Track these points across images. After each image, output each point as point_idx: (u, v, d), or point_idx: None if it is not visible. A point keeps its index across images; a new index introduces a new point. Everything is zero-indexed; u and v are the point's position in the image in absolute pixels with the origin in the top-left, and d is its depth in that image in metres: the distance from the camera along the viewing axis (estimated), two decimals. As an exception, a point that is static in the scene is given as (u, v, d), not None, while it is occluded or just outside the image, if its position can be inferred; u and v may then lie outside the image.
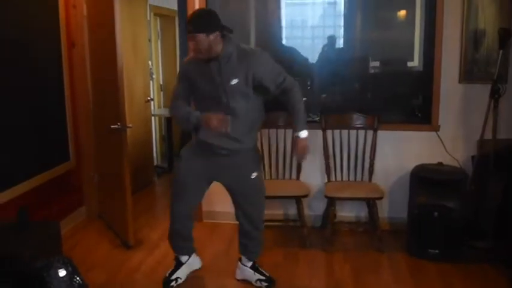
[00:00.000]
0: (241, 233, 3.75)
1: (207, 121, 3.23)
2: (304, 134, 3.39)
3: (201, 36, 3.13)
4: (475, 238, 4.20)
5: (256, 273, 3.75)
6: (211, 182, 3.65)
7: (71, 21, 4.80)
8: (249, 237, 3.71)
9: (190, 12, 4.70)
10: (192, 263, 3.91)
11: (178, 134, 7.88)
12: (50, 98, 4.52)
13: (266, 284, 3.70)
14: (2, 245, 3.31)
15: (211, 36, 3.15)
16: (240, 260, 3.84)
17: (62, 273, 3.03)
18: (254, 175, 3.54)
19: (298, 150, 3.42)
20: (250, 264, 3.79)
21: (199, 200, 3.80)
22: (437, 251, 4.12)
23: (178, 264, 3.83)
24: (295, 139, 3.42)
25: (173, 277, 3.76)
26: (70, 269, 3.08)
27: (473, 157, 4.42)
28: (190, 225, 3.79)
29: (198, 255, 3.97)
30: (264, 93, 3.40)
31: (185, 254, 3.85)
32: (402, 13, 4.95)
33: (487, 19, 4.42)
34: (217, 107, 3.28)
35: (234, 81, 3.25)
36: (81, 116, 5.00)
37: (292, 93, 3.38)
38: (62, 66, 4.66)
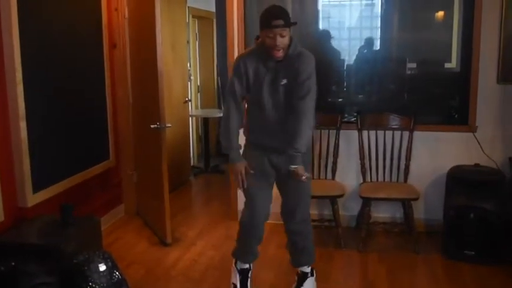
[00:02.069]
0: (289, 234, 3.56)
1: (233, 171, 3.32)
2: (296, 166, 3.20)
3: (287, 32, 3.07)
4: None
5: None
6: (273, 184, 3.50)
7: (113, 23, 4.94)
8: (296, 233, 3.51)
9: (229, 14, 4.80)
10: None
11: (214, 135, 7.99)
12: (91, 97, 4.66)
13: None
14: (46, 239, 3.44)
15: (290, 33, 3.12)
16: (297, 274, 3.64)
17: (102, 267, 3.13)
18: (304, 177, 3.35)
19: (297, 178, 3.23)
20: (309, 271, 3.60)
21: (266, 206, 3.49)
22: (473, 253, 4.08)
23: (246, 272, 3.65)
24: (291, 170, 3.20)
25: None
26: (110, 263, 3.18)
27: (510, 158, 4.36)
28: (261, 235, 3.56)
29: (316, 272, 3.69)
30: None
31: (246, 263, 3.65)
32: (440, 14, 4.91)
33: (527, 19, 4.36)
34: (262, 110, 3.26)
35: (284, 81, 3.20)
36: (121, 115, 5.13)
37: (302, 117, 3.18)
38: (104, 67, 4.80)
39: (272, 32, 3.03)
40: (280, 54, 3.12)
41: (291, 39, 3.14)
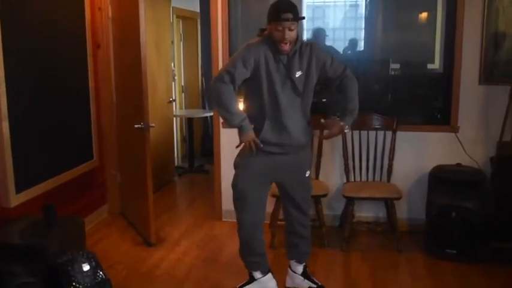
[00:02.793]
0: (291, 234, 3.61)
1: (245, 138, 3.21)
2: (347, 129, 3.35)
3: (296, 26, 3.07)
4: (495, 239, 4.19)
5: (306, 280, 3.65)
6: (271, 184, 3.51)
7: (97, 23, 4.92)
8: (301, 236, 3.57)
9: (213, 14, 4.81)
10: (265, 281, 3.61)
11: (199, 135, 7.99)
12: (75, 97, 4.63)
13: None
14: (30, 239, 3.42)
15: (298, 27, 3.11)
16: (289, 266, 3.72)
17: (86, 267, 3.13)
18: (308, 173, 3.49)
19: (333, 133, 3.35)
20: (301, 270, 3.66)
21: (264, 206, 3.52)
22: (455, 252, 4.13)
23: (251, 279, 3.63)
24: (340, 125, 3.32)
25: None
26: (93, 263, 3.19)
27: (492, 158, 4.42)
28: (261, 237, 3.54)
29: (275, 278, 3.66)
30: (324, 85, 3.38)
31: (257, 270, 3.59)
32: (423, 15, 4.96)
33: (508, 21, 4.42)
34: (276, 103, 3.22)
35: (298, 74, 3.21)
36: (104, 115, 5.11)
37: (353, 84, 3.36)
38: (87, 67, 4.78)
39: (281, 25, 3.04)
40: (287, 47, 3.12)
41: (297, 34, 3.14)
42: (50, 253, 3.21)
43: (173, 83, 7.19)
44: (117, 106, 5.15)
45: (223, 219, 5.11)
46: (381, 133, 4.64)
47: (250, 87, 3.31)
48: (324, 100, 3.70)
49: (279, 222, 4.41)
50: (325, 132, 3.46)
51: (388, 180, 4.65)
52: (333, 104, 4.82)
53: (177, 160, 7.50)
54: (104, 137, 5.13)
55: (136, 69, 4.34)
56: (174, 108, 7.15)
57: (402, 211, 4.74)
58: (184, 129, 7.89)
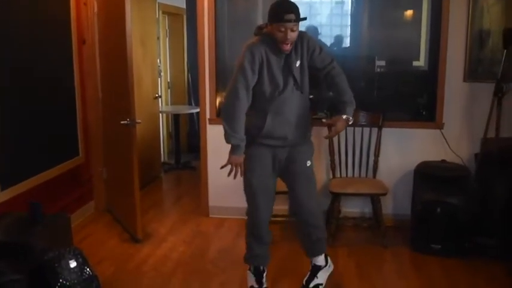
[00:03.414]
0: (301, 226, 3.56)
1: (234, 160, 3.28)
2: (350, 120, 3.35)
3: (297, 27, 3.10)
4: (479, 234, 4.24)
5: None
6: (277, 176, 3.52)
7: (82, 18, 4.89)
8: (309, 225, 3.50)
9: (199, 10, 4.80)
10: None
11: (185, 131, 7.98)
12: (60, 94, 4.60)
13: None
14: (16, 236, 3.39)
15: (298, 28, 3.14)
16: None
17: (73, 264, 3.12)
18: (309, 163, 3.49)
19: (339, 129, 3.35)
20: (322, 263, 3.62)
21: (274, 198, 3.55)
22: (439, 246, 4.18)
23: (260, 272, 3.61)
24: (343, 118, 3.31)
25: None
26: (80, 260, 3.18)
27: (476, 155, 4.47)
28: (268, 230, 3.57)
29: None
30: (312, 76, 3.38)
31: (262, 265, 3.61)
32: (409, 13, 5.00)
33: (492, 19, 4.47)
34: (279, 96, 3.26)
35: (297, 64, 3.25)
36: (90, 112, 5.09)
37: (341, 76, 3.37)
38: (73, 63, 4.74)
39: (284, 26, 3.04)
40: (288, 48, 3.15)
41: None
42: (36, 250, 3.20)
43: (159, 79, 7.17)
44: (103, 102, 5.13)
45: (210, 216, 5.12)
46: (366, 130, 4.67)
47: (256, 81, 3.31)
48: (311, 97, 3.72)
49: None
50: (332, 129, 3.44)
51: (374, 176, 4.69)
52: (321, 101, 4.88)
53: (163, 156, 7.49)
54: (89, 133, 5.11)
55: (122, 65, 4.32)
56: (160, 104, 7.13)
57: (388, 207, 4.79)
58: (170, 125, 7.87)
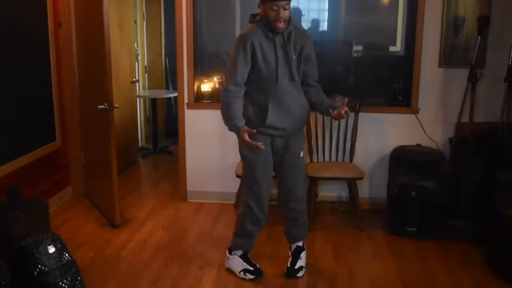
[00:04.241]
0: (288, 212, 3.69)
1: (243, 139, 3.30)
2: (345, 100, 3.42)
3: (289, 5, 3.19)
4: (452, 217, 4.33)
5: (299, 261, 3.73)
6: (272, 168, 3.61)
7: (58, 1, 4.82)
8: (297, 211, 3.68)
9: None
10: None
11: (162, 116, 7.95)
12: (36, 78, 4.54)
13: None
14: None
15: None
16: (290, 249, 3.81)
17: (51, 249, 3.12)
18: (302, 154, 3.60)
19: (345, 111, 3.38)
20: (302, 244, 3.79)
21: (270, 191, 3.62)
22: (414, 229, 4.27)
23: (249, 258, 3.71)
24: (344, 101, 3.38)
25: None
26: (59, 245, 3.18)
27: (450, 139, 4.55)
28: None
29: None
30: None
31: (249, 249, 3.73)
32: (386, -2, 5.03)
33: (467, 6, 4.54)
34: (277, 85, 3.34)
35: (294, 57, 3.35)
36: (67, 96, 5.04)
37: (320, 90, 3.58)
38: (49, 46, 4.69)
39: (276, 4, 3.15)
40: (282, 25, 3.23)
41: (289, 13, 3.25)
42: (14, 236, 3.19)
43: (136, 63, 7.12)
44: (79, 87, 5.08)
45: (189, 200, 5.14)
46: (343, 114, 4.71)
47: (250, 74, 3.37)
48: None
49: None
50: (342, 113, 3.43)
51: (351, 160, 4.75)
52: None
53: (140, 141, 7.46)
54: (66, 118, 5.06)
55: (99, 49, 4.29)
56: (137, 89, 7.08)
57: (364, 191, 4.87)
58: (147, 110, 7.84)
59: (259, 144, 3.26)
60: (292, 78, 3.38)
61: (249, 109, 3.42)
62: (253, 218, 3.57)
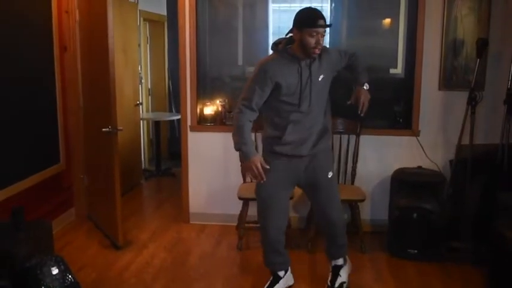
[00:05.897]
0: (327, 236, 3.76)
1: (246, 169, 3.32)
2: (367, 86, 3.48)
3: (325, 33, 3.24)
4: (453, 239, 4.34)
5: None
6: (294, 187, 3.66)
7: (63, 26, 4.91)
8: (335, 235, 3.70)
9: (180, 17, 4.85)
10: (288, 278, 3.82)
11: (166, 138, 8.00)
12: (41, 101, 4.61)
13: None
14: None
15: None
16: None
17: (55, 271, 3.14)
18: (331, 174, 3.57)
19: (364, 98, 3.47)
20: (342, 262, 3.81)
21: (287, 209, 3.68)
22: (416, 251, 4.27)
23: (276, 278, 3.75)
24: (362, 89, 3.46)
25: None
26: (62, 267, 3.20)
27: (451, 161, 4.57)
28: (283, 239, 3.68)
29: (292, 272, 3.86)
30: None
31: (282, 270, 3.76)
32: (387, 21, 5.08)
33: (466, 29, 4.59)
34: (298, 111, 3.34)
35: (321, 77, 3.36)
36: (71, 119, 5.10)
37: (360, 61, 3.60)
38: (54, 70, 4.76)
39: (316, 31, 3.16)
40: (318, 52, 3.24)
41: None
42: (18, 257, 3.21)
43: (140, 86, 7.19)
44: (84, 109, 5.14)
45: (191, 222, 5.15)
46: (345, 136, 4.75)
47: (272, 97, 3.36)
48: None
49: (246, 225, 4.49)
50: (360, 101, 3.52)
51: (352, 182, 4.77)
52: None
53: (144, 163, 7.50)
54: (70, 140, 5.12)
55: (103, 72, 4.35)
56: (140, 112, 7.15)
57: (366, 212, 4.88)
58: (151, 132, 7.89)
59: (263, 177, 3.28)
60: (315, 102, 3.37)
61: (267, 131, 3.45)
62: (264, 240, 3.62)
